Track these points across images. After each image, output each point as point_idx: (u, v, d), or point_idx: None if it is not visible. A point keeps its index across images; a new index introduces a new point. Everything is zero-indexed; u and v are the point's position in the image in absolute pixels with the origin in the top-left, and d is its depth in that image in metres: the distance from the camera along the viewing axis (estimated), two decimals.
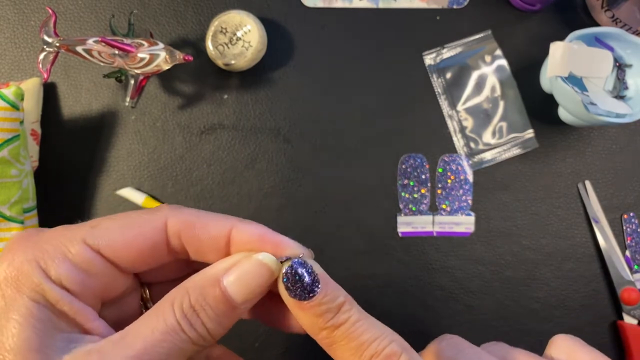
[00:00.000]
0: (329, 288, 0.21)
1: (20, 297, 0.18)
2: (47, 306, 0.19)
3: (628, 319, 0.47)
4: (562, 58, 0.43)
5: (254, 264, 0.21)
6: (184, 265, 0.26)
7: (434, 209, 0.49)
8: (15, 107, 0.42)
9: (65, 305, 0.19)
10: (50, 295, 0.19)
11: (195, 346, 0.20)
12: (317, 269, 0.22)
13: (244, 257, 0.21)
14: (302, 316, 0.21)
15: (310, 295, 0.21)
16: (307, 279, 0.21)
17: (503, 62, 0.50)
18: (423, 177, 0.49)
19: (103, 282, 0.21)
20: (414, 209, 0.49)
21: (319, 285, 0.21)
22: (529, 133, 0.49)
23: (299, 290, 0.21)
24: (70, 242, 0.21)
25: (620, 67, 0.46)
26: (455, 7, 0.51)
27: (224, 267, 0.21)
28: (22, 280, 0.19)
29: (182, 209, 0.24)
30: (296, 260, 0.21)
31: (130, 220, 0.22)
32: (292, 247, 0.23)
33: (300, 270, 0.21)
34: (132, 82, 0.47)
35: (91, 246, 0.21)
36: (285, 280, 0.21)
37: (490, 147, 0.49)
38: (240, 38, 0.47)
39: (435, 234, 0.49)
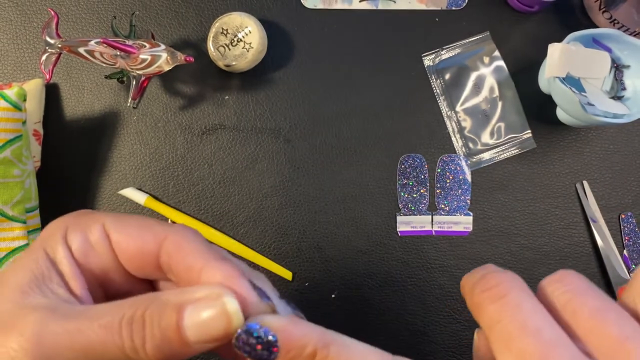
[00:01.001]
0: (292, 342, 0.19)
1: (39, 249, 0.22)
2: (51, 262, 0.22)
3: None
4: (560, 59, 0.44)
5: (218, 310, 0.19)
6: None
7: (433, 209, 0.49)
8: (17, 107, 0.42)
9: (64, 266, 0.22)
10: (57, 254, 0.22)
11: (123, 357, 0.19)
12: (274, 322, 0.19)
13: (216, 296, 0.20)
14: None
15: (271, 357, 0.19)
16: (260, 341, 0.19)
17: (501, 63, 0.50)
18: (422, 177, 0.49)
19: (103, 264, 0.23)
20: (413, 208, 0.49)
21: (278, 343, 0.19)
22: (527, 133, 0.50)
23: (255, 355, 0.19)
24: (96, 222, 0.23)
25: (617, 68, 0.46)
26: (454, 8, 0.51)
27: (196, 297, 0.20)
28: (49, 237, 0.22)
29: (187, 232, 0.23)
30: (243, 329, 0.19)
31: (142, 223, 0.23)
32: (251, 302, 0.20)
33: (251, 336, 0.19)
34: (134, 83, 0.47)
35: (106, 230, 0.23)
36: (242, 351, 0.19)
37: (489, 148, 0.50)
38: (241, 39, 0.47)
39: (434, 233, 0.49)
